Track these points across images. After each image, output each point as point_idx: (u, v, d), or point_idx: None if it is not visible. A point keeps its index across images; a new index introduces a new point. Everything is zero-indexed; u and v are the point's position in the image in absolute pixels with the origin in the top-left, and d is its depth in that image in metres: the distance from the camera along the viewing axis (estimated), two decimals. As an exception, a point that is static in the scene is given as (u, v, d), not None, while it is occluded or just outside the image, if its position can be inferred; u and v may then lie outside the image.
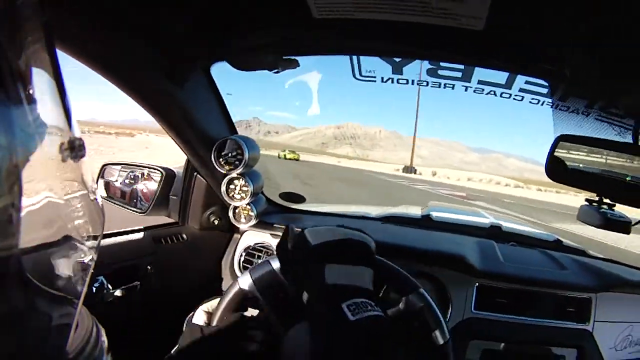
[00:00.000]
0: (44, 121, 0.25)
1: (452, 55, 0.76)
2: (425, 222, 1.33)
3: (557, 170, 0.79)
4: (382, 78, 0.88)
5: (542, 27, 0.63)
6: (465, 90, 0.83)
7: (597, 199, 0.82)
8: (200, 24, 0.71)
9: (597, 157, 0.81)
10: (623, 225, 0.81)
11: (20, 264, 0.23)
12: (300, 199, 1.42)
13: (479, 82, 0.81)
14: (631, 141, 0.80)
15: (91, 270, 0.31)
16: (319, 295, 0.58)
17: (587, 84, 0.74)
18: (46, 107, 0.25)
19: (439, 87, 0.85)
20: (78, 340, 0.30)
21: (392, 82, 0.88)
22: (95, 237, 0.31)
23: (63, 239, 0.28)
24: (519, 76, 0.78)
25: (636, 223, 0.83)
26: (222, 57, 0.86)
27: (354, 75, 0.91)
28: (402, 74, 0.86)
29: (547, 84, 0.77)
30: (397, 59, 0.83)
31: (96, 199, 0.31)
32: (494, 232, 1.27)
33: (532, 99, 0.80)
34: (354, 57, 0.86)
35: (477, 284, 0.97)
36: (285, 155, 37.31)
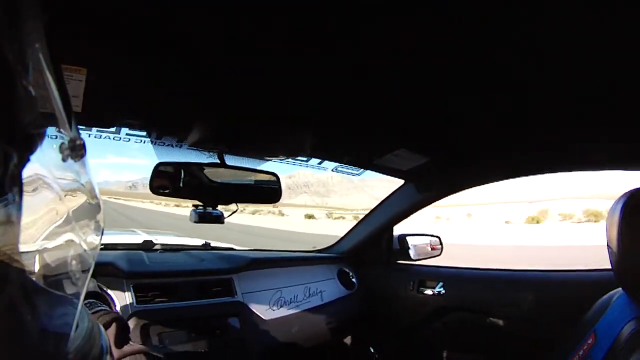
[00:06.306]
0: (44, 121, 0.25)
1: None
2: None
3: (161, 188, 1.10)
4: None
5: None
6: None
7: (201, 204, 1.18)
8: None
9: (195, 175, 1.17)
10: (216, 218, 1.17)
11: (20, 263, 0.23)
12: None
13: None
14: (218, 161, 1.20)
15: (91, 271, 0.31)
16: None
17: (170, 128, 1.09)
18: (46, 107, 0.25)
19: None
20: (78, 340, 0.30)
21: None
22: (95, 238, 0.31)
23: (63, 238, 0.28)
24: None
25: (229, 215, 1.22)
26: None
27: None
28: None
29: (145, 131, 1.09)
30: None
31: (96, 200, 0.31)
32: (147, 246, 1.55)
33: (136, 139, 1.12)
34: None
35: (131, 284, 1.16)
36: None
